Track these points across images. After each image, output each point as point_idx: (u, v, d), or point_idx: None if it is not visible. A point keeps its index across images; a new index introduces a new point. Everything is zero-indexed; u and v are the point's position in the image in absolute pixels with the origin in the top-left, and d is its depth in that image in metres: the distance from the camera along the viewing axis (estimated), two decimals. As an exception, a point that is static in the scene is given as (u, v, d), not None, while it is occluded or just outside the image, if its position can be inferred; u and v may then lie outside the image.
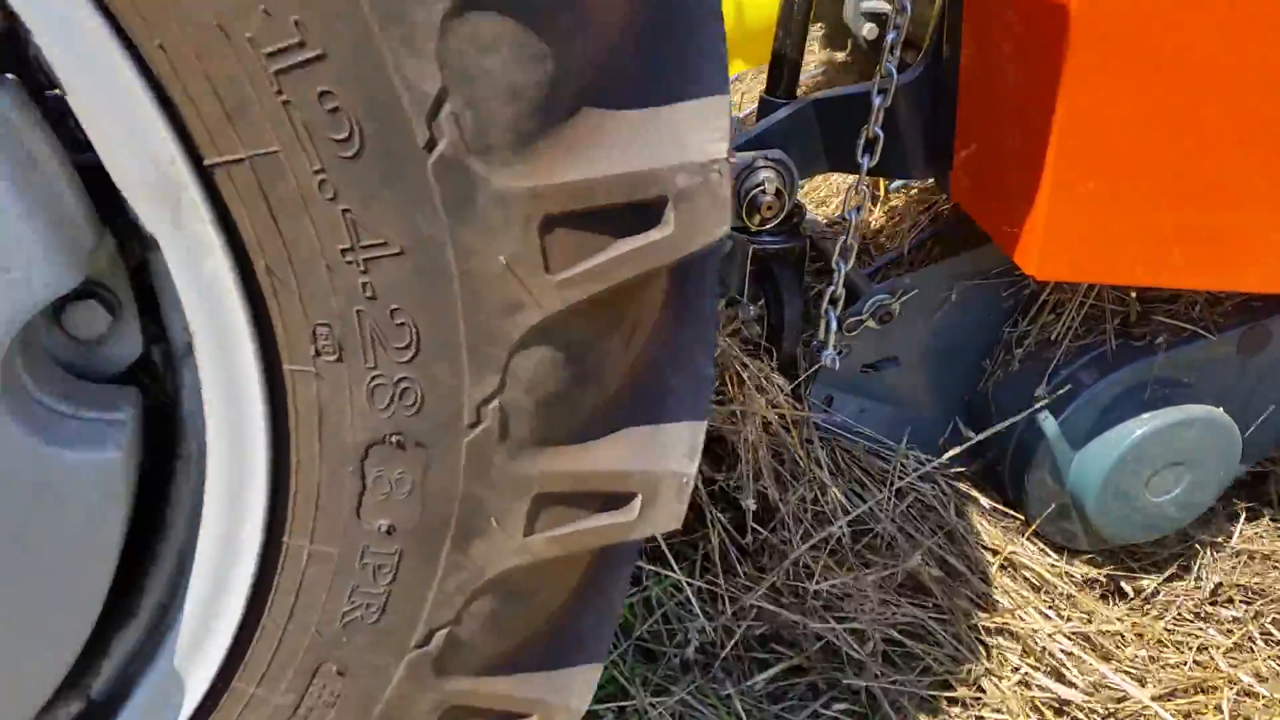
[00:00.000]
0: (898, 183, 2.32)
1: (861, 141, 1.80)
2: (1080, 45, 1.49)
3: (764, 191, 1.82)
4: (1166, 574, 2.13)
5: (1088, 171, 1.55)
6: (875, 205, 2.34)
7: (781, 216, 1.87)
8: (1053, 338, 2.00)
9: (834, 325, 1.94)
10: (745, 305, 2.10)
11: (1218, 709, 1.92)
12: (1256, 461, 2.20)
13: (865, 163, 1.81)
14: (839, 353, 1.99)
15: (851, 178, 1.88)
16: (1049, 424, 1.95)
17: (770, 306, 2.08)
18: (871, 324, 2.02)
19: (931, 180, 2.05)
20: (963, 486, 2.10)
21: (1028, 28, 1.54)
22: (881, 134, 1.77)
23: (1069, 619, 2.02)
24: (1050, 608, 2.02)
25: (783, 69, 1.98)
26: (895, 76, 1.72)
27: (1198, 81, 1.53)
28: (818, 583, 1.94)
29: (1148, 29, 1.49)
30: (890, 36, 1.69)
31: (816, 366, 2.01)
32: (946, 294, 2.03)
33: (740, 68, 2.25)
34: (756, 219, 1.85)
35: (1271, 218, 1.63)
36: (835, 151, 1.93)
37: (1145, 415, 1.89)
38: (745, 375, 1.97)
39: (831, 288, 1.93)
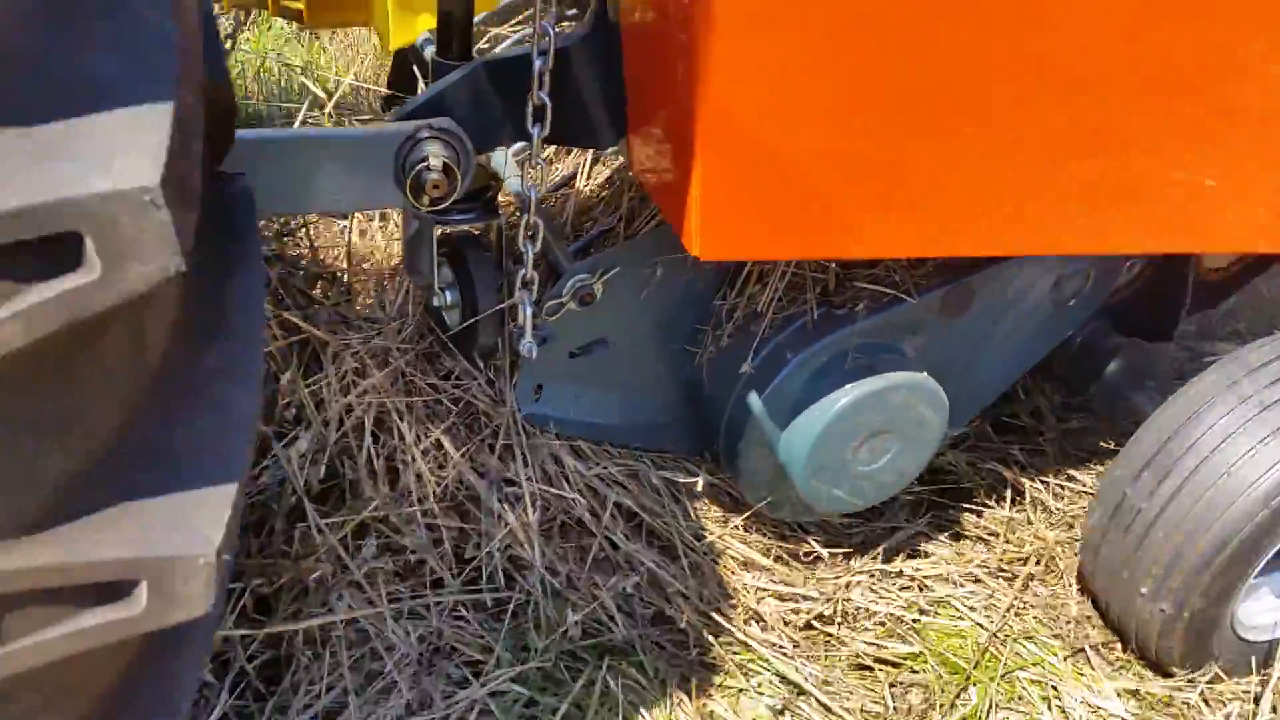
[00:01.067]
0: (609, 149, 2.19)
1: (529, 109, 1.65)
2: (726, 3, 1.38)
3: (429, 168, 1.65)
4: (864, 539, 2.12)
5: (742, 142, 1.45)
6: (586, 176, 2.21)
7: (455, 194, 1.71)
8: (759, 309, 1.92)
9: (529, 311, 1.80)
10: (441, 292, 1.94)
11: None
12: (968, 423, 2.21)
13: (536, 133, 1.66)
14: (540, 341, 1.86)
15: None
16: (755, 399, 1.88)
17: (464, 293, 1.92)
18: (573, 306, 1.90)
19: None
20: (678, 475, 2.02)
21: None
22: (548, 100, 1.63)
23: (795, 600, 1.98)
24: (768, 591, 1.98)
25: (452, 27, 1.81)
26: (552, 35, 1.57)
27: (854, 37, 1.45)
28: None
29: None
30: (541, -9, 1.54)
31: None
32: (652, 269, 1.92)
33: (430, 24, 2.05)
34: (425, 199, 1.67)
35: (940, 178, 1.58)
36: (517, 118, 1.78)
37: (848, 385, 1.84)
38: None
39: (522, 270, 1.79)
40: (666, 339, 2.01)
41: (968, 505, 2.27)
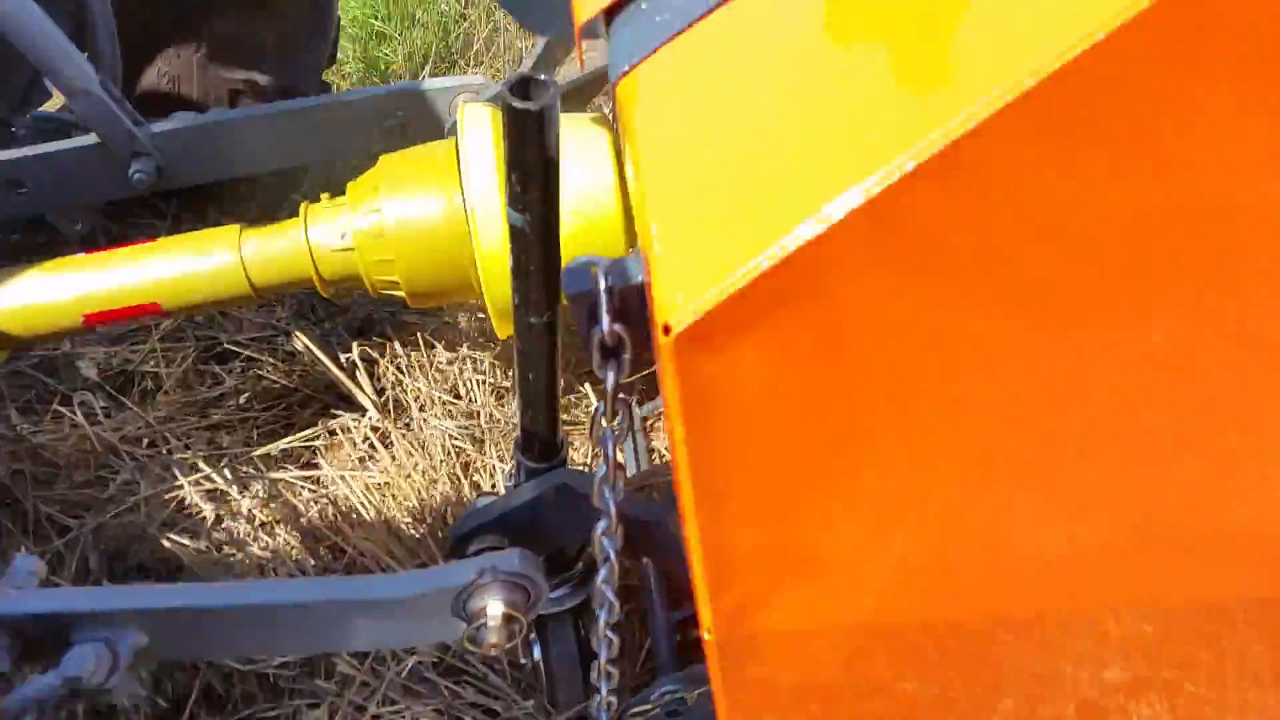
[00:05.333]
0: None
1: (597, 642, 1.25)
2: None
3: (487, 626, 1.34)
4: None
5: None
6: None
7: (518, 636, 1.39)
8: None
9: (606, 729, 1.52)
10: (528, 645, 1.68)
11: None
12: None
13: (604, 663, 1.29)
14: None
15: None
16: None
17: (543, 652, 1.65)
18: (661, 715, 1.58)
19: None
20: None
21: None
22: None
23: None
24: None
25: (535, 434, 1.38)
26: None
27: None
28: None
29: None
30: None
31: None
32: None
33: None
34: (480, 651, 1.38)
35: None
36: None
37: None
38: None
39: (601, 683, 1.48)
40: None
41: None
